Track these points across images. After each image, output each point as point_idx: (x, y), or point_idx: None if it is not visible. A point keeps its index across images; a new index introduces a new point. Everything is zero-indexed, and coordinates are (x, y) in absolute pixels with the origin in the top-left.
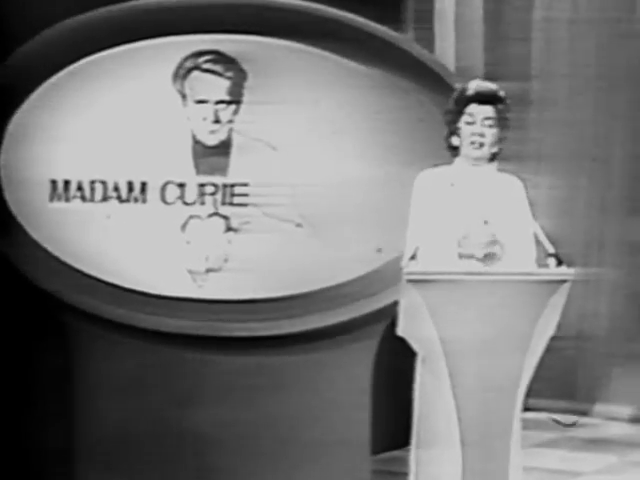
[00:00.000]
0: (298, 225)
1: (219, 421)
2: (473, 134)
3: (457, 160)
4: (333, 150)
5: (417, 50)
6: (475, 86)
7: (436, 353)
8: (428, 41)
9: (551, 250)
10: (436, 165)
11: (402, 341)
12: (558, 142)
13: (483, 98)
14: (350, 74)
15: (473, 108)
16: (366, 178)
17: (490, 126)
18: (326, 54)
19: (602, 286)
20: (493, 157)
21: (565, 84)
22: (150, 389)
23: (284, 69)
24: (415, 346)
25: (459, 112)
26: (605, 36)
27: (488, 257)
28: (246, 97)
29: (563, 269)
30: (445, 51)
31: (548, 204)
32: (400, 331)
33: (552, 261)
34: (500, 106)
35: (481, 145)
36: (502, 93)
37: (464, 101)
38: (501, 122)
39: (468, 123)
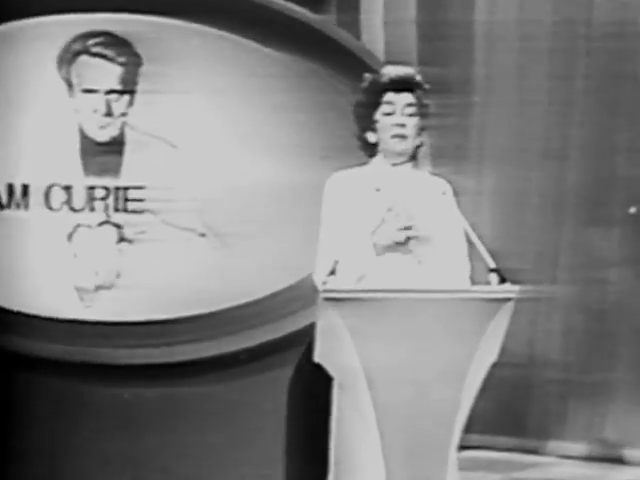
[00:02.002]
0: (202, 235)
1: (106, 457)
2: (394, 125)
3: (375, 160)
4: (242, 148)
5: (341, 35)
6: (390, 72)
7: (358, 383)
8: (353, 25)
9: (492, 265)
10: (348, 167)
11: (320, 368)
12: (504, 139)
13: (401, 85)
14: (262, 61)
15: (391, 97)
16: (281, 181)
17: (411, 115)
18: (235, 38)
19: (555, 305)
20: (415, 153)
21: (513, 70)
22: (29, 422)
23: (185, 54)
24: (334, 374)
25: (375, 103)
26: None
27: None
28: (141, 86)
29: (506, 286)
30: (373, 36)
31: (492, 211)
32: (317, 357)
33: (494, 277)
34: (419, 92)
35: (403, 137)
36: (419, 77)
37: (379, 90)
38: (421, 110)
39: (387, 114)
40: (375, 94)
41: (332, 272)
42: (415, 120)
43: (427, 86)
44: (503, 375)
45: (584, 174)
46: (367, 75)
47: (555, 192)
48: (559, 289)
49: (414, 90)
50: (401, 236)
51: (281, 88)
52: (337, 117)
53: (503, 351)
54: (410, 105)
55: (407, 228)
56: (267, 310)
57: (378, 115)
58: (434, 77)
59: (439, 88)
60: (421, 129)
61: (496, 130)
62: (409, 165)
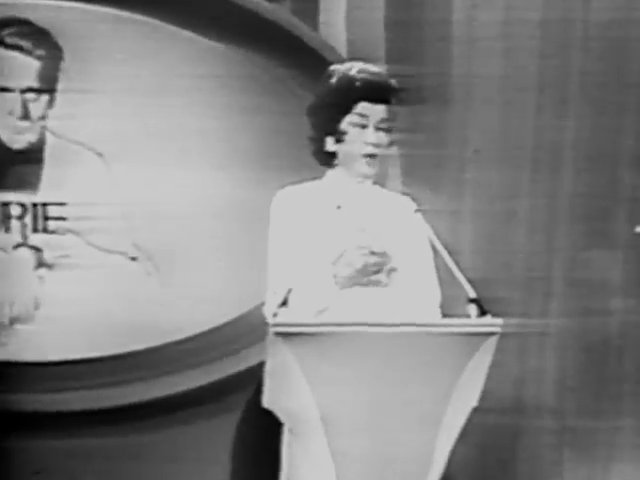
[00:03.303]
0: (133, 259)
1: None
2: (367, 144)
3: (331, 173)
4: (179, 158)
5: (296, 26)
6: (364, 76)
7: (314, 430)
8: (311, 14)
9: (472, 294)
10: (297, 182)
11: (270, 414)
12: (486, 149)
13: (378, 95)
14: (204, 55)
15: (366, 108)
16: (225, 196)
17: (386, 131)
18: (172, 28)
19: (548, 341)
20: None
21: (497, 71)
22: None
23: (113, 47)
24: (286, 421)
25: (344, 109)
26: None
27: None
28: (62, 84)
29: (488, 319)
30: (333, 27)
31: (472, 232)
32: (266, 402)
33: (473, 309)
34: (392, 103)
35: (375, 157)
36: (393, 82)
37: (352, 96)
38: (392, 123)
39: (358, 126)
40: (347, 98)
41: (284, 303)
42: (388, 138)
43: (402, 95)
44: (487, 422)
45: (581, 187)
46: (334, 69)
47: (547, 208)
48: (552, 322)
49: (389, 100)
50: (368, 271)
51: (226, 88)
52: (292, 121)
53: (487, 395)
54: (384, 120)
55: (376, 262)
56: (209, 347)
57: (346, 125)
58: (407, 79)
59: (412, 90)
60: (390, 143)
61: (478, 139)
62: (371, 181)
